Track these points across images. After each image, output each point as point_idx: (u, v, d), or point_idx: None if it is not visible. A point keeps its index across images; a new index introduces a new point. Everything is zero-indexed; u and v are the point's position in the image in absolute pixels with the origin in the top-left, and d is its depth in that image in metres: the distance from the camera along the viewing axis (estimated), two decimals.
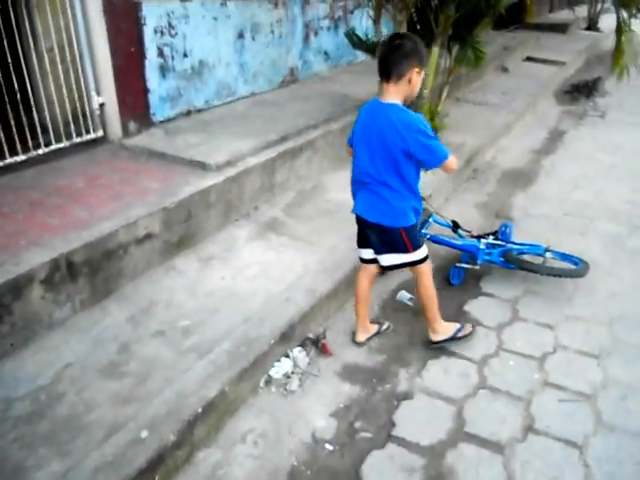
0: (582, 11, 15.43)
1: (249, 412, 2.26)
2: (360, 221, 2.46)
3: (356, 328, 2.67)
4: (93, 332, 2.43)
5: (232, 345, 2.35)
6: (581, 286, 3.11)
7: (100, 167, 3.29)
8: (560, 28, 13.86)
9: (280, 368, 2.45)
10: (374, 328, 2.71)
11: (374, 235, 2.42)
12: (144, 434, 1.91)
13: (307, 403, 2.32)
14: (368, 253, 2.53)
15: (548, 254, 3.09)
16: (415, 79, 2.21)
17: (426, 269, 2.47)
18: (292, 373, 2.44)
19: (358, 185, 2.41)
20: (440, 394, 2.35)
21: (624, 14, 3.87)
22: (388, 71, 2.19)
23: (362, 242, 2.54)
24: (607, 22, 12.28)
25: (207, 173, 3.25)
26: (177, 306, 2.63)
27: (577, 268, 3.05)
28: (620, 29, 3.88)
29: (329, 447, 2.11)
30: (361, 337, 2.66)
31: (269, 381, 2.41)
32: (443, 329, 2.59)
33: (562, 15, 16.09)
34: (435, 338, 2.60)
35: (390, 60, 2.18)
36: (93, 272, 2.53)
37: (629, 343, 2.68)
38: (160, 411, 2.01)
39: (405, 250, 2.37)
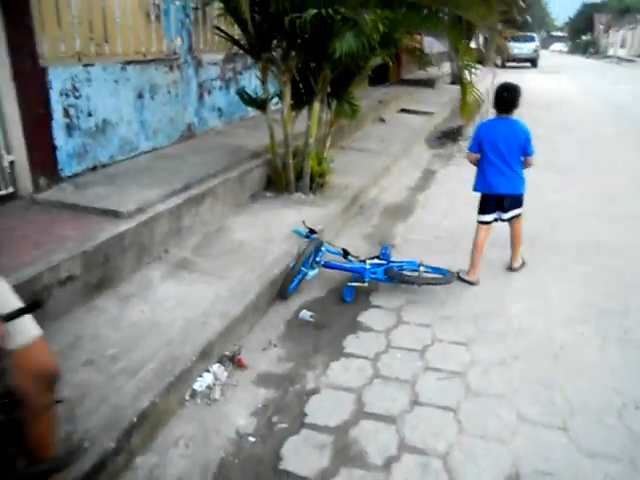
0: (448, 67, 17.40)
1: (179, 421, 2.55)
2: (494, 196, 3.84)
3: (471, 271, 3.88)
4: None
5: (158, 364, 2.65)
6: (450, 293, 3.74)
7: (15, 220, 3.48)
8: (429, 83, 15.53)
9: (203, 382, 2.77)
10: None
11: (508, 201, 3.84)
12: (86, 444, 2.16)
13: (229, 408, 2.65)
14: (490, 217, 3.90)
15: (422, 268, 3.70)
16: None
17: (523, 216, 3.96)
18: (214, 385, 2.77)
19: (497, 174, 3.75)
20: (342, 386, 2.79)
21: (465, 71, 4.75)
22: (509, 106, 3.76)
23: (485, 210, 3.89)
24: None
25: (120, 220, 3.54)
26: (103, 338, 2.88)
27: (445, 277, 3.68)
28: (463, 83, 4.75)
29: (252, 439, 2.45)
30: (473, 277, 3.88)
31: (194, 394, 2.71)
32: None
33: (430, 71, 17.92)
34: (516, 265, 4.06)
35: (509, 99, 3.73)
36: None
37: (490, 331, 3.30)
38: (99, 423, 2.26)
39: (521, 205, 3.90)
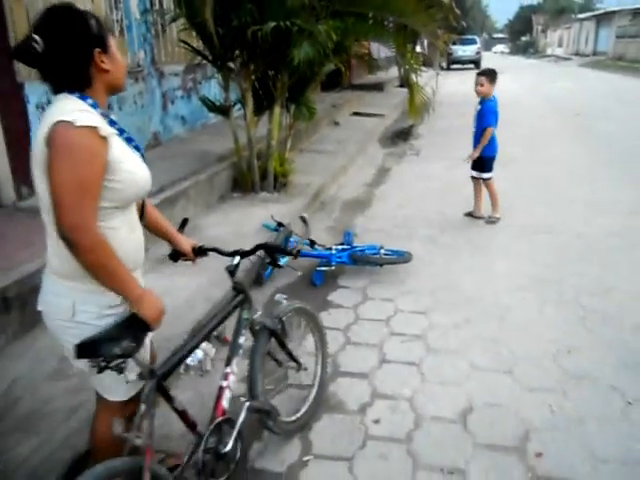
0: (395, 71, 18.00)
1: (176, 390, 2.86)
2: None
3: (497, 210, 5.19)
4: (30, 354, 2.88)
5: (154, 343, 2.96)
6: (409, 272, 4.17)
7: (2, 225, 3.71)
8: (378, 87, 16.14)
9: (194, 357, 3.08)
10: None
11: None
12: None
13: (218, 376, 2.98)
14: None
15: (382, 250, 4.12)
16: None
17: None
18: (204, 359, 3.09)
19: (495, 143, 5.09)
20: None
21: (411, 74, 5.22)
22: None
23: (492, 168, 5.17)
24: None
25: None
26: None
27: (403, 257, 4.11)
28: (410, 85, 5.22)
29: (242, 399, 2.78)
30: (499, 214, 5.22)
31: (187, 368, 2.99)
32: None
33: (379, 76, 18.56)
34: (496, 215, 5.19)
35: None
36: (22, 306, 2.99)
37: (445, 301, 3.74)
38: None
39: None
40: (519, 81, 22.78)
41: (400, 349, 3.18)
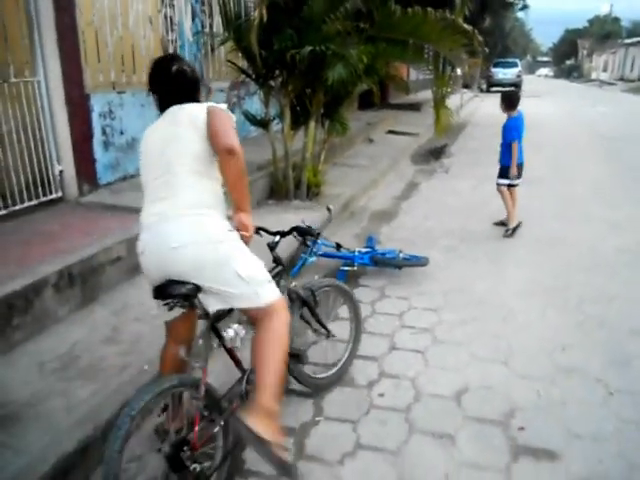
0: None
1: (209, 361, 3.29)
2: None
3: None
4: (88, 322, 3.38)
5: None
6: (426, 275, 4.53)
7: (66, 217, 4.27)
8: (415, 107, 16.52)
9: (227, 335, 3.51)
10: None
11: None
12: (146, 367, 2.91)
13: (247, 353, 3.39)
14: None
15: (401, 254, 4.50)
16: None
17: None
18: (235, 337, 3.52)
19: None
20: (336, 339, 3.55)
21: (438, 94, 5.62)
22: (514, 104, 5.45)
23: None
24: (453, 101, 14.99)
25: None
26: (145, 304, 3.59)
27: (420, 261, 4.48)
28: (437, 105, 5.61)
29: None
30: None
31: (219, 344, 3.46)
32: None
33: (417, 96, 18.97)
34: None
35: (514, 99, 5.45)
36: (83, 282, 3.50)
37: (455, 302, 4.08)
38: (155, 353, 3.01)
39: None
40: (558, 104, 22.84)
41: (409, 339, 3.54)
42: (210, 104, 2.23)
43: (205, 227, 2.12)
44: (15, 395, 2.68)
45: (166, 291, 2.05)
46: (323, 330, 2.98)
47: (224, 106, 2.27)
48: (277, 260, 2.69)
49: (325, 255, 4.58)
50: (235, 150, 2.12)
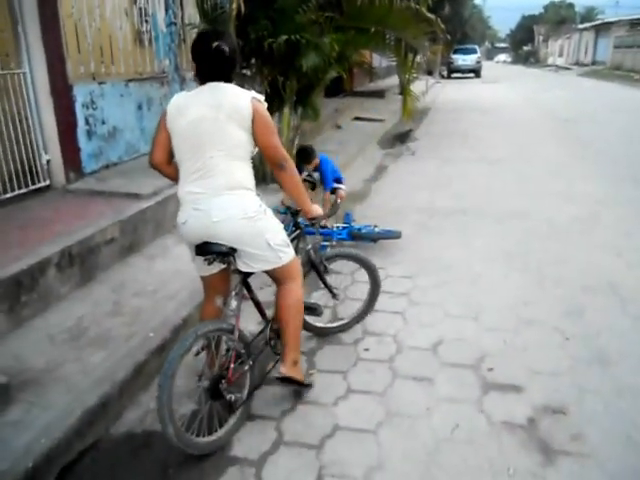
0: (396, 79, 18.77)
1: None
2: None
3: None
4: (90, 299, 3.60)
5: (188, 292, 3.67)
6: (399, 247, 4.88)
7: (57, 203, 4.45)
8: (379, 94, 16.89)
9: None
10: None
11: None
12: (151, 334, 3.17)
13: (243, 321, 3.68)
14: None
15: (376, 229, 4.84)
16: None
17: None
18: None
19: None
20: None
21: (405, 80, 5.96)
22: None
23: None
24: (419, 87, 15.41)
25: (141, 200, 4.55)
26: (141, 281, 3.88)
27: (394, 234, 4.84)
28: (403, 90, 5.95)
29: (260, 336, 3.50)
30: None
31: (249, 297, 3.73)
32: None
33: (381, 83, 19.34)
34: None
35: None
36: (82, 262, 3.71)
37: (427, 269, 4.44)
38: (156, 324, 3.27)
39: None
40: (516, 89, 23.57)
41: (388, 303, 3.89)
42: (254, 95, 2.37)
43: (241, 205, 2.41)
44: (31, 363, 2.91)
45: (208, 249, 2.41)
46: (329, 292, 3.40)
47: (262, 97, 2.41)
48: (296, 225, 3.19)
49: (307, 232, 4.87)
50: (287, 164, 2.45)
